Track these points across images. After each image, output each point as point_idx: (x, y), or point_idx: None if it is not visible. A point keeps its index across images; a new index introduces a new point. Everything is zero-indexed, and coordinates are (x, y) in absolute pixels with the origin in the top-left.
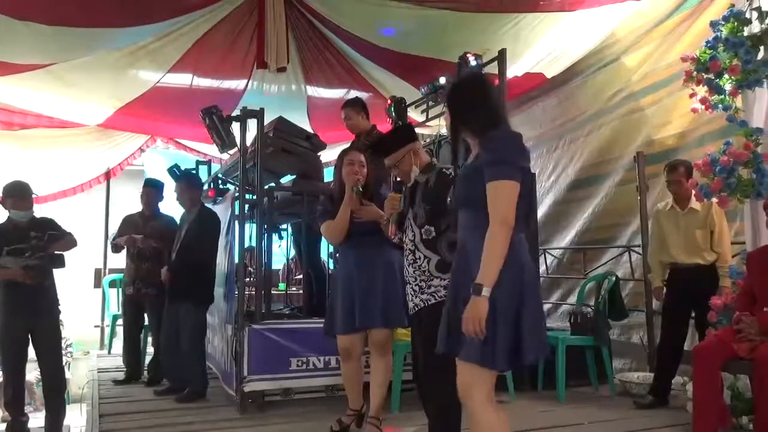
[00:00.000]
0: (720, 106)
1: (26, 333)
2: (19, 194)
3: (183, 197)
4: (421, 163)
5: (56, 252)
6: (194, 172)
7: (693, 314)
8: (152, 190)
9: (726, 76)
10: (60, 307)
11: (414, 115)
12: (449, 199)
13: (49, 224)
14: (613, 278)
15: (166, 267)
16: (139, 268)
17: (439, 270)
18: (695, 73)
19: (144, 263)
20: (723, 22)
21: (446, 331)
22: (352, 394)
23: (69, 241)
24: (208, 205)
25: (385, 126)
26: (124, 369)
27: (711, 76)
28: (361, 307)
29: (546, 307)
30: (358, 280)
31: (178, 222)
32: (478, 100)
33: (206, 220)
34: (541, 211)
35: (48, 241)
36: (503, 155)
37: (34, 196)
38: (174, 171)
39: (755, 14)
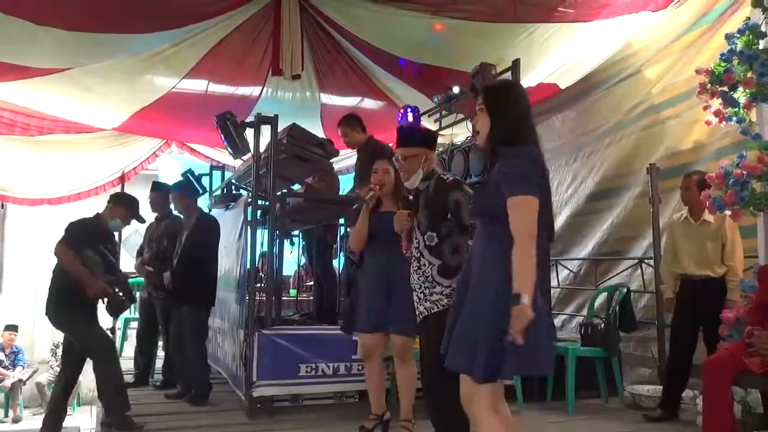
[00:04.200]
0: (734, 118)
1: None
2: (131, 212)
3: (178, 206)
4: (426, 170)
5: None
6: (207, 176)
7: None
8: (158, 193)
9: (740, 89)
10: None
11: (427, 124)
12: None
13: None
14: (624, 290)
15: (168, 272)
16: (150, 273)
17: (442, 275)
18: (709, 85)
19: (154, 267)
20: (738, 35)
21: (447, 339)
22: (373, 397)
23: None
24: (218, 211)
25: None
26: (134, 372)
27: (725, 88)
28: (381, 309)
29: (561, 318)
30: (384, 282)
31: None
32: (515, 111)
33: (203, 228)
34: (558, 222)
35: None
36: (522, 171)
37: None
38: (188, 176)
39: None
